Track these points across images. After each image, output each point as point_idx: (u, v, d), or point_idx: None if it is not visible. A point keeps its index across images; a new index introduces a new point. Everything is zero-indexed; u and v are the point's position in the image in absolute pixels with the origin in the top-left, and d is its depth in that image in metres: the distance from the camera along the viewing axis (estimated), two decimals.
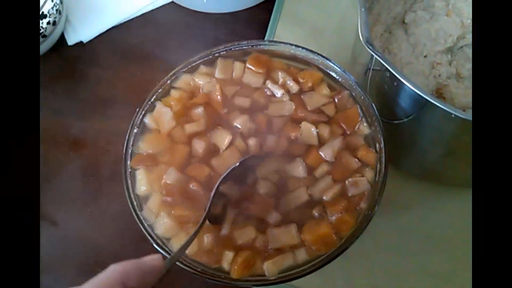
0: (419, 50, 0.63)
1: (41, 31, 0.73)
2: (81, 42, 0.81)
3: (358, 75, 0.61)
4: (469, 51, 0.64)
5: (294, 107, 0.58)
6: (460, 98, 0.60)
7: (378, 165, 0.56)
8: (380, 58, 0.49)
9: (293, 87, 0.60)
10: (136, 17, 0.83)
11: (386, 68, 0.49)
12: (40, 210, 0.68)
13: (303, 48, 0.62)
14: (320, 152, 0.56)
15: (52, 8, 0.73)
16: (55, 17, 0.75)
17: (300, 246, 0.52)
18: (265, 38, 0.78)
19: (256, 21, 0.81)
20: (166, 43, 0.81)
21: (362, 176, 0.55)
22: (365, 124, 0.58)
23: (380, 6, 0.67)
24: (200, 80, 0.61)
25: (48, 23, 0.74)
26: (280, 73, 0.61)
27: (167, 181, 0.55)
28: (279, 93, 0.60)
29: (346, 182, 0.55)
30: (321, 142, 0.57)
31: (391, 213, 0.63)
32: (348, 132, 0.58)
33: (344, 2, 0.82)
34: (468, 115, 0.46)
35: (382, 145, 0.56)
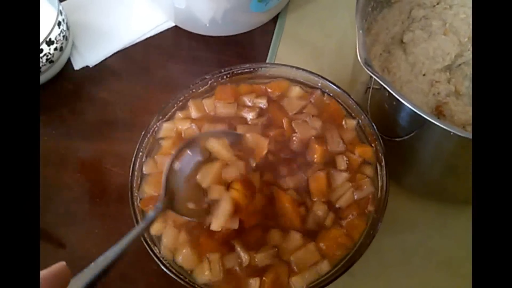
0: (418, 69, 0.65)
1: (48, 57, 0.75)
2: (87, 66, 0.83)
3: (358, 94, 0.62)
4: (467, 69, 0.65)
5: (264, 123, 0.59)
6: (460, 115, 0.61)
7: (380, 181, 0.57)
8: (379, 78, 0.50)
9: (262, 102, 0.61)
10: (141, 41, 0.85)
11: (385, 87, 0.50)
12: (47, 232, 0.68)
13: (304, 70, 0.63)
14: (327, 146, 0.57)
15: (59, 34, 0.75)
16: (62, 43, 0.77)
17: (322, 258, 0.53)
18: (267, 59, 0.80)
19: (259, 43, 0.83)
20: (171, 67, 0.83)
21: (366, 177, 0.57)
22: (349, 117, 0.60)
23: (379, 26, 0.68)
24: (180, 126, 0.61)
25: (55, 49, 0.75)
26: (245, 98, 0.62)
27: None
28: (250, 115, 0.60)
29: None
30: (319, 137, 0.58)
31: (395, 230, 0.64)
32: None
33: (343, 22, 0.84)
34: (466, 133, 0.47)
35: (383, 162, 0.56)
